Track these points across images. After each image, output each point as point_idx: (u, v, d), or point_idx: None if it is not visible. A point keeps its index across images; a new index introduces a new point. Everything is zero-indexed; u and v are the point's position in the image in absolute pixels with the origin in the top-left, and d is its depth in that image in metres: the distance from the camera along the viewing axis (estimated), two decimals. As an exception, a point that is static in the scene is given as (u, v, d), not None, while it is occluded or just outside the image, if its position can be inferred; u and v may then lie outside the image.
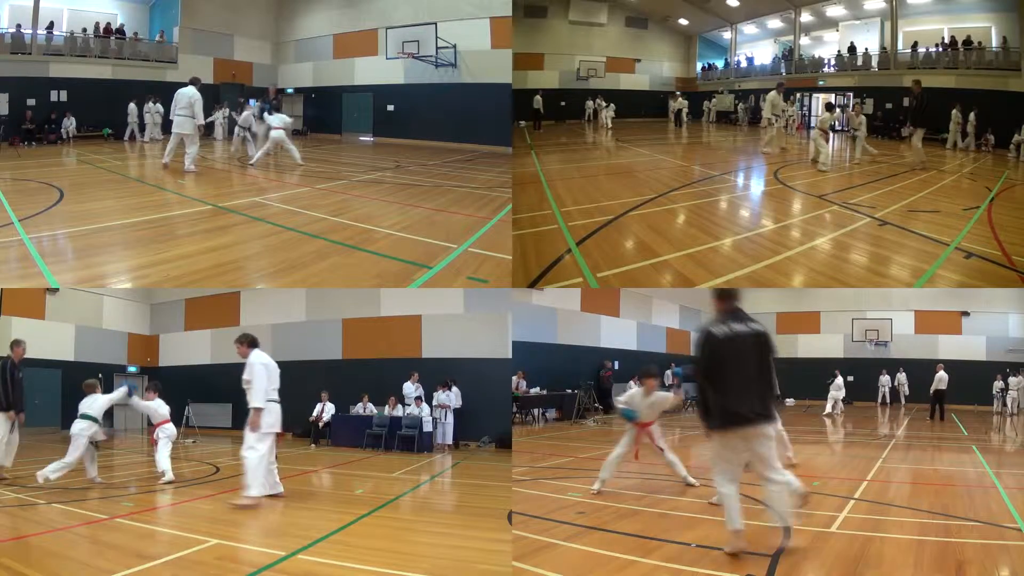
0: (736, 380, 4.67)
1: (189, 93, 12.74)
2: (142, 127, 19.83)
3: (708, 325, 4.86)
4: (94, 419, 8.35)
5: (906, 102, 20.72)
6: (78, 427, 8.25)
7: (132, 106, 19.80)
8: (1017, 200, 11.75)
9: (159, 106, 19.40)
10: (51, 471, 7.94)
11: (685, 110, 26.85)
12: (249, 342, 7.15)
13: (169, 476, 8.48)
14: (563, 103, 26.49)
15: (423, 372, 13.97)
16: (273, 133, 14.62)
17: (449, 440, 13.50)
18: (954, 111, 18.45)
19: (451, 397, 13.64)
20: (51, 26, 19.36)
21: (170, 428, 9.09)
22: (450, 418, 13.60)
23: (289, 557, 5.02)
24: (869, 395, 21.26)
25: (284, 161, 15.08)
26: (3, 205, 9.62)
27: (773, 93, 17.04)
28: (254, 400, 6.90)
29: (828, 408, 17.74)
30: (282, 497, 7.28)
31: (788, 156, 16.73)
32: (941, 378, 17.41)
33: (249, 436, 6.90)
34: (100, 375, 12.76)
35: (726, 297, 4.93)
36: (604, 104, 25.70)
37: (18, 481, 8.27)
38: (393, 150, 19.19)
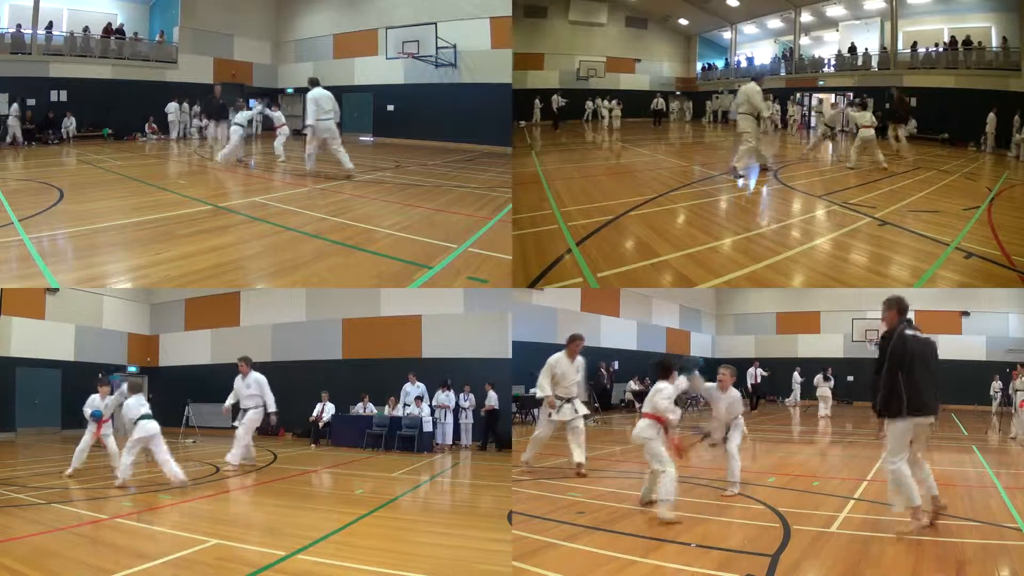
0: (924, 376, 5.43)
1: (326, 95, 12.44)
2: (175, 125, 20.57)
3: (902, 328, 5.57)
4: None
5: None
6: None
7: (173, 104, 20.34)
8: (1017, 200, 11.74)
9: (187, 106, 20.55)
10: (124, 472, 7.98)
11: (665, 110, 27.95)
12: (251, 363, 9.66)
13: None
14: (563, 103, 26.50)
15: (423, 372, 13.97)
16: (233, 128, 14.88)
17: (449, 440, 13.51)
18: (991, 115, 18.34)
19: (450, 397, 13.64)
20: (51, 26, 19.35)
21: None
22: (450, 418, 13.60)
23: (289, 557, 5.02)
24: (869, 395, 21.23)
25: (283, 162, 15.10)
26: (3, 205, 9.62)
27: (752, 84, 12.96)
28: (272, 407, 9.59)
29: (821, 410, 17.80)
30: (255, 467, 9.77)
31: (787, 157, 16.71)
32: None
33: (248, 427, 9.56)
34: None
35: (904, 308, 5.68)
36: (609, 104, 25.69)
37: (18, 481, 8.28)
38: (393, 150, 19.15)
